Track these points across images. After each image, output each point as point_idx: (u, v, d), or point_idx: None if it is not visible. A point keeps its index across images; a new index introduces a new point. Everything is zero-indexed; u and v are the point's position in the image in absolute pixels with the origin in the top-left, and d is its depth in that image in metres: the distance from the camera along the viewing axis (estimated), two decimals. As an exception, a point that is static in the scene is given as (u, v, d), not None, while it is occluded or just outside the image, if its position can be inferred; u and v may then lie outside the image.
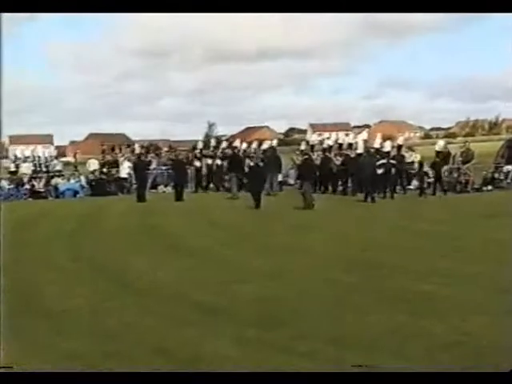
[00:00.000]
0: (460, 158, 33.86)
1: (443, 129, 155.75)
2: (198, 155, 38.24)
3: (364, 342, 8.29)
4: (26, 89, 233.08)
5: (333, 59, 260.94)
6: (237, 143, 39.62)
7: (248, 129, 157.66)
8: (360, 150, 33.45)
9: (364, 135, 41.33)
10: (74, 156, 44.00)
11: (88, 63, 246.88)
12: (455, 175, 32.99)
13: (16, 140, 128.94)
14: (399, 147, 34.38)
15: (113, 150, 42.15)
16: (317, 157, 35.29)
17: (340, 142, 37.48)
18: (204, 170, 37.32)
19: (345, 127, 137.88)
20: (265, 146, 36.86)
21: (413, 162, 33.39)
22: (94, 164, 39.82)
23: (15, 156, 41.60)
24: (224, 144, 40.07)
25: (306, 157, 28.76)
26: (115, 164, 39.68)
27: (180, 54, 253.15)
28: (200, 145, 40.28)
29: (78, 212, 28.09)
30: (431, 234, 17.92)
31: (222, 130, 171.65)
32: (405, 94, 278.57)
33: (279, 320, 9.46)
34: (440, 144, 35.46)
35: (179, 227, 21.30)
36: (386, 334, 8.61)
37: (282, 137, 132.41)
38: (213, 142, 41.74)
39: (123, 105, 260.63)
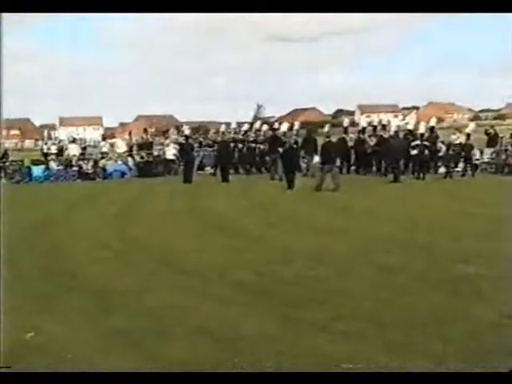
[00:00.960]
0: (509, 140, 33.70)
1: (493, 110, 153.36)
2: (243, 137, 38.46)
3: (403, 322, 8.33)
4: (78, 71, 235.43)
5: (383, 38, 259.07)
6: (277, 125, 39.76)
7: (295, 110, 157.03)
8: (393, 132, 33.69)
9: (412, 117, 41.21)
10: (130, 136, 44.27)
11: (140, 43, 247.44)
12: (503, 157, 32.79)
13: (66, 122, 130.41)
14: (432, 129, 34.47)
15: (163, 132, 42.07)
16: (350, 138, 35.79)
17: (375, 123, 37.60)
18: (247, 153, 37.51)
19: (393, 109, 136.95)
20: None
21: (460, 144, 33.13)
22: (121, 146, 40.17)
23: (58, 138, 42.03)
24: (265, 126, 40.07)
25: (328, 139, 28.59)
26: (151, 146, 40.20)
27: (230, 33, 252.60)
28: (245, 127, 40.36)
29: (125, 193, 28.37)
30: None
31: (270, 112, 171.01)
32: (455, 73, 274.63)
33: (320, 300, 9.52)
34: (470, 127, 35.39)
35: (224, 208, 21.45)
36: (425, 315, 8.64)
37: (329, 118, 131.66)
38: (257, 125, 41.71)
39: (173, 85, 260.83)
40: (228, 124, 41.66)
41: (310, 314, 8.81)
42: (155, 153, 39.16)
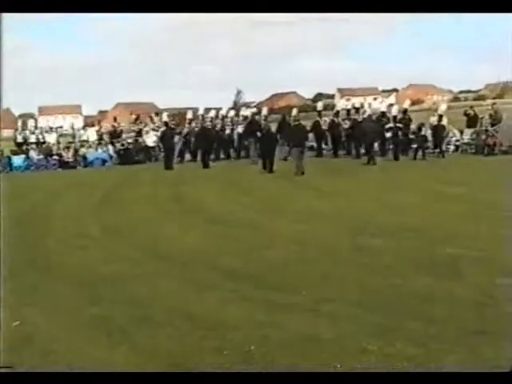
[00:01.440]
0: (488, 121, 33.90)
1: (472, 91, 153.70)
2: (221, 123, 38.51)
3: (387, 304, 8.40)
4: (58, 64, 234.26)
5: (364, 23, 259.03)
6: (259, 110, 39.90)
7: (275, 95, 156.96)
8: (366, 115, 34.18)
9: (392, 99, 41.52)
10: (99, 124, 43.80)
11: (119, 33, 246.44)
12: (483, 137, 32.97)
13: (45, 110, 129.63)
14: (405, 111, 34.82)
15: (137, 119, 41.63)
16: (324, 122, 36.08)
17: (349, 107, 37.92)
18: (226, 138, 37.61)
19: (373, 92, 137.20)
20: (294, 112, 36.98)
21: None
22: (92, 134, 40.07)
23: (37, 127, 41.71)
24: (245, 111, 40.20)
25: (296, 123, 28.88)
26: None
27: (209, 20, 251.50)
28: (223, 112, 40.28)
29: (106, 181, 28.33)
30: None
31: (250, 97, 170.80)
32: (435, 57, 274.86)
33: (305, 284, 9.58)
34: (441, 108, 35.75)
35: (206, 194, 21.46)
36: (408, 296, 8.72)
37: (309, 102, 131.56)
38: (240, 110, 41.68)
39: (152, 73, 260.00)
40: (208, 110, 41.44)
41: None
42: (131, 140, 39.02)
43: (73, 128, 41.21)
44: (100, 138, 39.48)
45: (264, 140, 29.37)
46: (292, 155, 26.85)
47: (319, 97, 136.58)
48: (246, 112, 39.48)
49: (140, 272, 10.82)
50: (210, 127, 36.63)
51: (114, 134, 39.74)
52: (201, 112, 40.14)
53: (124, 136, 40.31)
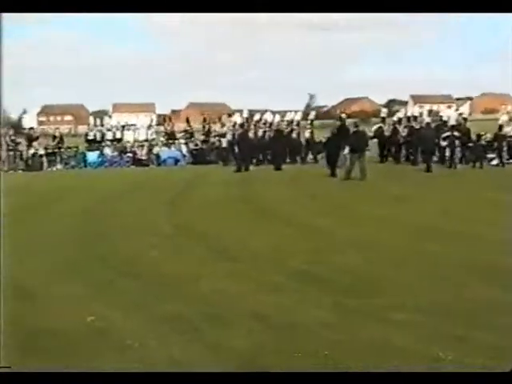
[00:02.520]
0: None
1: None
2: (296, 127, 38.53)
3: (458, 313, 8.32)
4: (127, 59, 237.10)
5: (431, 31, 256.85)
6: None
7: (347, 100, 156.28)
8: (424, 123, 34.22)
9: (466, 108, 41.15)
10: (171, 123, 44.05)
11: (189, 35, 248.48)
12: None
13: (119, 108, 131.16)
14: (465, 120, 35.47)
15: (205, 120, 42.02)
16: (387, 129, 36.59)
17: (408, 114, 38.01)
18: (302, 142, 37.69)
19: (447, 99, 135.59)
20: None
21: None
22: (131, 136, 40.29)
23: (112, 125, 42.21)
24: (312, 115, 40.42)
25: (355, 129, 28.71)
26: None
27: (280, 23, 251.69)
28: (298, 116, 40.26)
29: (179, 180, 28.58)
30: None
31: (322, 102, 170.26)
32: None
33: (375, 289, 9.53)
34: (503, 118, 35.63)
35: (277, 196, 21.51)
36: (479, 307, 8.61)
37: (382, 108, 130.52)
38: (311, 115, 41.68)
39: (222, 74, 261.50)
40: (282, 112, 41.43)
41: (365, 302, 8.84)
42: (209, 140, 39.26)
43: (148, 126, 41.46)
44: (173, 138, 39.77)
45: (329, 145, 29.73)
46: (351, 161, 26.73)
47: (392, 103, 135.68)
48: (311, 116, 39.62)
49: (210, 271, 10.87)
50: (283, 130, 36.73)
51: (187, 134, 40.08)
52: (270, 115, 40.26)
53: (196, 136, 40.59)
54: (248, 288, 9.72)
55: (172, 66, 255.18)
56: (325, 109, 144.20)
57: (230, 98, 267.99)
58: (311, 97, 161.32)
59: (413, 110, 39.22)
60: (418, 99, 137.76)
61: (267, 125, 38.61)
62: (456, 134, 32.52)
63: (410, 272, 10.57)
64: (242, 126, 36.51)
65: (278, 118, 39.50)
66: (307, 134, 37.75)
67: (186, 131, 40.76)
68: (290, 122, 38.94)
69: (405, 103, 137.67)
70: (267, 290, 9.62)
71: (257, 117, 40.12)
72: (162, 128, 42.67)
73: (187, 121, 43.06)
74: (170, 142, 39.39)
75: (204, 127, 41.19)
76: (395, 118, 38.05)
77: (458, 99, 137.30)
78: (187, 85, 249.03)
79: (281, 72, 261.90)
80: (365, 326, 7.85)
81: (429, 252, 11.98)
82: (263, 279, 10.28)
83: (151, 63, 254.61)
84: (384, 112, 39.82)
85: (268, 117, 39.93)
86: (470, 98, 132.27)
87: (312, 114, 41.57)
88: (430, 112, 39.01)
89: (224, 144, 37.59)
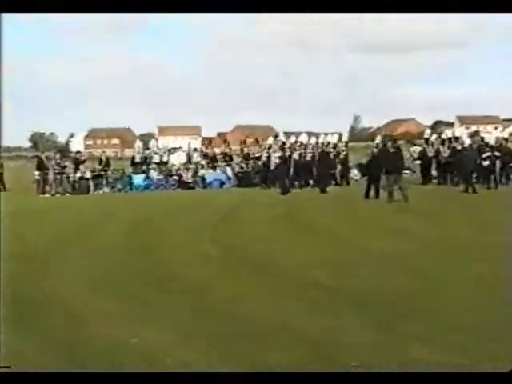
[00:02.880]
0: None
1: None
2: (332, 149, 38.53)
3: (504, 334, 8.16)
4: (174, 81, 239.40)
5: (483, 49, 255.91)
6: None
7: (394, 121, 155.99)
8: (466, 143, 34.33)
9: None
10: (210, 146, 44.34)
11: (235, 56, 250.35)
12: None
13: (165, 131, 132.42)
14: (505, 140, 35.86)
15: (257, 141, 42.36)
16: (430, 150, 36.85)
17: (449, 135, 38.07)
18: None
19: (493, 120, 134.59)
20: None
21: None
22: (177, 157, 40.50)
23: (159, 147, 42.57)
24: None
25: (393, 150, 28.34)
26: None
27: (326, 45, 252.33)
28: (334, 138, 40.18)
29: (224, 202, 28.67)
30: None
31: (368, 123, 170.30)
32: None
33: (418, 312, 9.42)
34: None
35: (322, 218, 21.45)
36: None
37: (428, 129, 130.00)
38: (344, 137, 41.56)
39: (268, 97, 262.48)
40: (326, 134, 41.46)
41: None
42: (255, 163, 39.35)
43: (194, 149, 41.64)
44: (216, 160, 39.93)
45: (370, 167, 29.68)
46: (388, 182, 26.54)
47: (438, 124, 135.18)
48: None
49: (250, 289, 10.85)
50: (328, 152, 36.72)
51: (226, 156, 40.27)
52: (305, 136, 40.42)
53: (241, 158, 40.72)
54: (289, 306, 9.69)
55: (220, 88, 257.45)
56: (370, 130, 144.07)
57: (277, 119, 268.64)
58: (356, 118, 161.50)
59: (459, 131, 38.95)
60: (464, 120, 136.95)
61: (302, 147, 38.64)
62: (496, 154, 32.85)
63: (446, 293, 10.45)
64: (282, 148, 36.57)
65: (313, 139, 39.58)
66: (342, 155, 37.82)
67: (225, 154, 40.93)
68: (327, 144, 38.84)
69: (451, 124, 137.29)
70: (308, 309, 9.55)
71: (292, 139, 40.30)
72: (207, 150, 42.79)
73: (225, 142, 43.39)
74: (215, 164, 39.52)
75: (242, 150, 41.45)
76: (438, 139, 37.95)
77: (504, 120, 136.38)
78: (235, 107, 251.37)
79: (327, 93, 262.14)
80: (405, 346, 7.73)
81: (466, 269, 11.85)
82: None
83: (199, 85, 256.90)
84: (427, 133, 39.78)
85: (303, 139, 40.04)
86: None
87: (345, 136, 41.31)
88: (475, 133, 39.01)
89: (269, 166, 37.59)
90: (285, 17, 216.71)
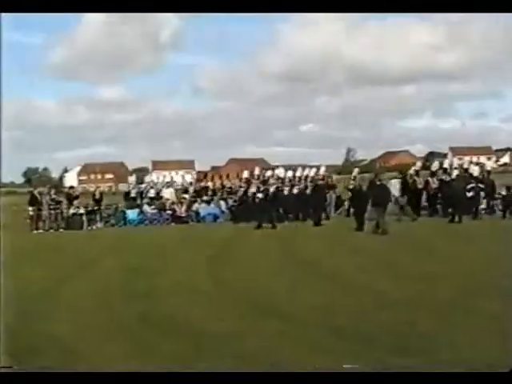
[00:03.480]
0: None
1: None
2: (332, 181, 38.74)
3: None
4: (169, 115, 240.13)
5: (476, 82, 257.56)
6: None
7: (387, 153, 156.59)
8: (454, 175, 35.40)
9: (506, 159, 41.49)
10: (212, 180, 44.18)
11: (230, 89, 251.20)
12: None
13: (158, 165, 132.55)
14: (488, 172, 37.50)
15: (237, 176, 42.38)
16: (420, 181, 36.50)
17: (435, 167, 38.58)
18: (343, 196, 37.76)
19: (486, 151, 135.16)
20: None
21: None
22: (169, 193, 40.44)
23: (153, 181, 42.59)
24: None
25: (379, 183, 28.93)
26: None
27: (321, 78, 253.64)
28: (312, 172, 40.25)
29: (218, 237, 28.63)
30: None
31: (362, 155, 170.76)
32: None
33: (418, 348, 9.40)
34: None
35: (317, 252, 21.40)
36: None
37: (421, 161, 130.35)
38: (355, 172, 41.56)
39: (264, 130, 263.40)
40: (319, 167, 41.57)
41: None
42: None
43: (189, 183, 41.53)
44: (212, 194, 39.86)
45: (355, 199, 30.10)
46: (375, 214, 26.86)
47: (431, 155, 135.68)
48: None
49: (250, 328, 10.81)
50: (322, 185, 36.79)
51: (226, 190, 40.20)
52: (282, 170, 40.59)
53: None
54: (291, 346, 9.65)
55: (214, 121, 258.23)
56: (364, 162, 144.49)
57: (269, 153, 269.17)
58: (349, 150, 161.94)
59: (447, 162, 39.14)
60: (457, 151, 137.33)
61: (279, 180, 38.77)
62: (480, 185, 33.83)
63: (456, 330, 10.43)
64: (247, 181, 36.87)
65: (290, 173, 39.75)
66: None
67: (222, 187, 40.87)
68: (305, 178, 38.94)
69: (444, 155, 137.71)
70: (311, 349, 9.51)
71: (269, 173, 40.53)
72: (201, 185, 42.68)
73: (227, 176, 43.26)
74: (209, 198, 39.44)
75: (223, 185, 41.33)
76: (427, 171, 38.50)
77: (497, 150, 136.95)
78: (229, 141, 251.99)
79: (325, 126, 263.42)
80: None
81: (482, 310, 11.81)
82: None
83: (194, 119, 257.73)
84: (418, 166, 40.07)
85: (280, 172, 40.25)
86: (510, 149, 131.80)
87: (322, 169, 41.20)
88: (470, 164, 39.43)
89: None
90: (282, 47, 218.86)
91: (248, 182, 38.75)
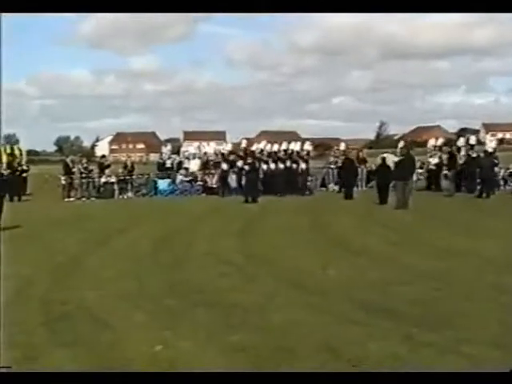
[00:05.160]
0: None
1: None
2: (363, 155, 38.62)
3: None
4: (201, 86, 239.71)
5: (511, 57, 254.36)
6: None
7: (419, 128, 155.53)
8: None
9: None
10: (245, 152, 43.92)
11: (263, 61, 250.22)
12: None
13: (190, 136, 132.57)
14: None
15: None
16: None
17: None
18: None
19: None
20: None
21: None
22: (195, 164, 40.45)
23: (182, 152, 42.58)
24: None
25: (402, 158, 29.17)
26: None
27: (354, 52, 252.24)
28: (297, 146, 39.83)
29: (247, 209, 28.69)
30: None
31: (393, 129, 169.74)
32: None
33: (443, 322, 9.35)
34: None
35: (348, 226, 21.37)
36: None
37: (453, 137, 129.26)
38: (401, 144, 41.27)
39: (296, 102, 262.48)
40: (351, 140, 41.42)
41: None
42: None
43: (219, 153, 41.32)
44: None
45: (379, 173, 30.57)
46: (397, 188, 26.79)
47: (463, 131, 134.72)
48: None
49: (279, 302, 10.79)
50: (352, 158, 36.71)
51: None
52: (342, 145, 40.33)
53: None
54: (316, 319, 9.63)
55: (246, 93, 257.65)
56: (396, 137, 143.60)
57: (301, 125, 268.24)
58: (382, 124, 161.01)
59: (472, 139, 38.81)
60: (489, 127, 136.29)
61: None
62: (495, 161, 34.88)
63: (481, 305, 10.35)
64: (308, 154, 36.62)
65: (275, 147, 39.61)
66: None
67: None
68: (291, 153, 38.55)
69: (477, 131, 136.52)
70: (337, 322, 9.48)
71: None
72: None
73: (246, 150, 42.97)
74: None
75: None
76: (456, 147, 38.55)
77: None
78: (261, 113, 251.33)
79: (357, 99, 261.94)
80: (435, 357, 7.65)
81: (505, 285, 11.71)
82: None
83: (225, 90, 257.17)
84: (440, 141, 39.93)
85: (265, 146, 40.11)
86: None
87: (307, 144, 40.75)
88: (499, 140, 39.57)
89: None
90: (316, 21, 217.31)
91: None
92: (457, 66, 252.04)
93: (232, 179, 37.86)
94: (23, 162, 39.75)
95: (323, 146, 51.61)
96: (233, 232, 20.08)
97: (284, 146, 39.06)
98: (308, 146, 39.33)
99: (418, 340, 8.42)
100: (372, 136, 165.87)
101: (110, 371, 6.72)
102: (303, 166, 37.01)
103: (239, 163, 36.29)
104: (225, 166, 37.16)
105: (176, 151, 41.97)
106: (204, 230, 20.99)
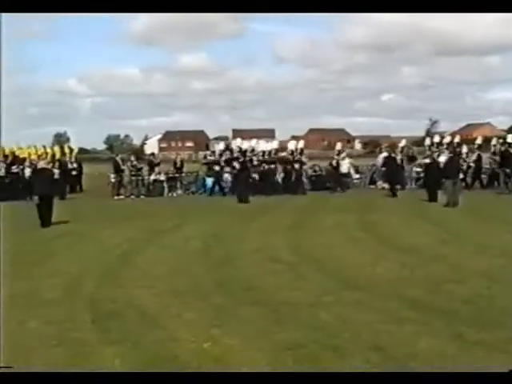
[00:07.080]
0: None
1: None
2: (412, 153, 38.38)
3: None
4: (250, 84, 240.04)
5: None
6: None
7: (469, 125, 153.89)
8: None
9: None
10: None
11: (312, 59, 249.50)
12: None
13: (239, 134, 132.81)
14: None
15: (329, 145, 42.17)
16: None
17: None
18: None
19: None
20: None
21: None
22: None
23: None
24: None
25: (451, 155, 29.45)
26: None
27: (404, 48, 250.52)
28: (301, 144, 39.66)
29: (295, 206, 28.69)
30: None
31: (443, 126, 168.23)
32: None
33: (494, 320, 9.26)
34: None
35: (396, 223, 21.27)
36: None
37: (504, 134, 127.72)
38: (436, 139, 40.89)
39: (345, 100, 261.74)
40: (401, 138, 41.14)
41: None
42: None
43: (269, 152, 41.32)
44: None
45: (428, 170, 30.56)
46: (445, 186, 26.75)
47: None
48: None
49: (328, 299, 10.76)
50: (395, 157, 36.50)
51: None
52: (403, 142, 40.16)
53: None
54: (365, 317, 9.60)
55: (295, 90, 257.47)
56: (445, 134, 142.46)
57: (350, 123, 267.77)
58: (432, 122, 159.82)
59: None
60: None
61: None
62: None
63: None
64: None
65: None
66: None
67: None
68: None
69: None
70: (387, 320, 9.44)
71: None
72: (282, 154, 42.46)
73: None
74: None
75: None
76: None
77: None
78: (310, 110, 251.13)
79: (407, 96, 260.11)
80: (484, 357, 7.59)
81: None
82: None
83: (275, 88, 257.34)
84: (479, 140, 39.59)
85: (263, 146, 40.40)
86: None
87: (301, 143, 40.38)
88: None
89: (344, 170, 37.56)
90: (366, 18, 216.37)
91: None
92: (509, 61, 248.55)
93: (280, 177, 37.88)
94: (73, 160, 40.23)
95: (373, 144, 51.20)
96: (282, 229, 20.12)
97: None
98: (357, 144, 39.33)
99: (467, 339, 8.36)
100: (422, 133, 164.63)
101: (110, 371, 6.77)
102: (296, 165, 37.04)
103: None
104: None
105: (228, 149, 41.82)
106: (253, 226, 21.06)
